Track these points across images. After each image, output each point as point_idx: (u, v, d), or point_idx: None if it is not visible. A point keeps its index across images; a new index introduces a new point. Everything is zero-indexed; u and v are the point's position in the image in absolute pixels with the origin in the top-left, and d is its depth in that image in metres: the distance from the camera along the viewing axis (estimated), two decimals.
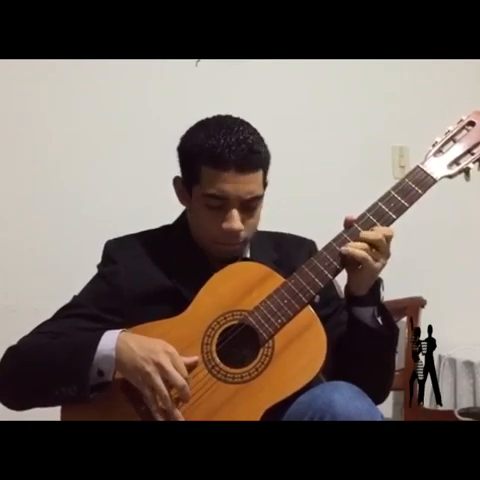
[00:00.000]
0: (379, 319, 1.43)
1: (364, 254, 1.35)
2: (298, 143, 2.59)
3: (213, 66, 2.44)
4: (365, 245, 1.36)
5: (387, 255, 1.38)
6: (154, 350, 1.31)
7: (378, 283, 1.43)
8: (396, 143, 2.81)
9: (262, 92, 2.61)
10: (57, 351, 1.37)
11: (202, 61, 2.49)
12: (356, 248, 1.36)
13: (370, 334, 1.41)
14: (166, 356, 1.30)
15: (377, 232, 1.37)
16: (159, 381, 1.29)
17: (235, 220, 1.42)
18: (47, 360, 1.36)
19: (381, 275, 1.41)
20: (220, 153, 1.38)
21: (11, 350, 1.43)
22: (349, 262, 1.38)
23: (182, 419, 1.30)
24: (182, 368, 1.31)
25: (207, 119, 1.49)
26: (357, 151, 2.76)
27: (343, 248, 1.37)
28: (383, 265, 1.38)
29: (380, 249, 1.36)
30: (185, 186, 1.48)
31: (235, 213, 1.42)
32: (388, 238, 1.37)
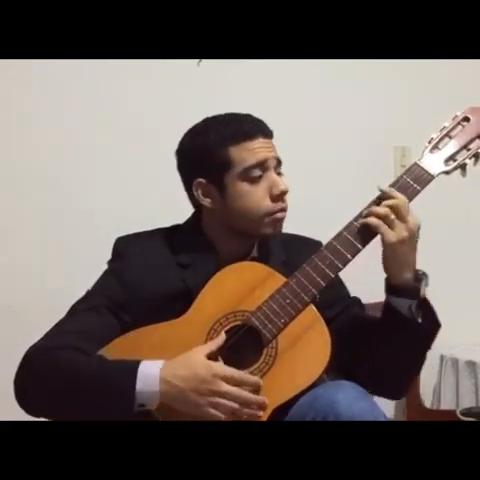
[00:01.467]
0: (417, 313, 1.39)
1: (378, 222, 1.35)
2: (299, 143, 2.58)
3: (215, 66, 2.44)
4: (383, 210, 1.35)
5: (408, 228, 1.35)
6: (204, 379, 1.29)
7: (420, 279, 1.40)
8: (398, 143, 2.81)
9: (263, 93, 2.61)
10: (93, 384, 1.32)
11: (204, 61, 2.49)
12: (372, 216, 1.36)
13: (405, 325, 1.38)
14: (219, 381, 1.29)
15: (396, 199, 1.36)
16: (231, 404, 1.28)
17: (281, 181, 1.46)
18: (83, 390, 1.32)
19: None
20: (246, 128, 1.45)
21: (36, 354, 1.39)
22: (365, 236, 1.37)
23: (266, 402, 1.31)
24: (234, 377, 1.30)
25: (202, 121, 1.51)
26: (359, 151, 2.75)
27: (361, 221, 1.37)
28: (403, 238, 1.35)
29: (398, 215, 1.35)
30: (213, 182, 1.47)
31: (277, 176, 1.47)
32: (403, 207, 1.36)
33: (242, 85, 2.57)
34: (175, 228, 1.57)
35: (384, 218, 1.35)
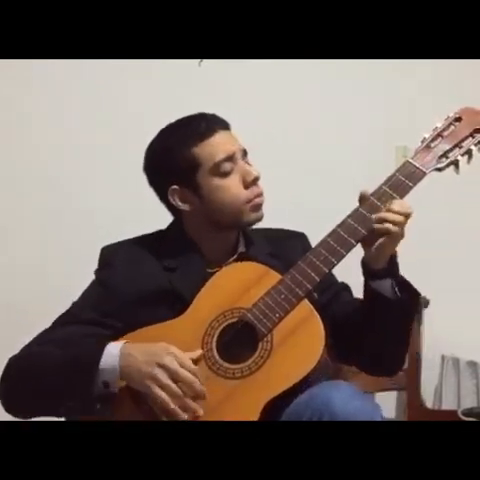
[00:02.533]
0: (397, 289, 1.43)
1: (394, 228, 1.37)
2: (300, 143, 2.59)
3: (215, 66, 2.44)
4: (396, 217, 1.37)
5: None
6: (156, 353, 1.32)
7: (394, 255, 1.43)
8: (399, 143, 2.81)
9: (263, 93, 2.61)
10: (60, 365, 1.36)
11: (205, 61, 2.48)
12: (386, 223, 1.37)
13: (389, 305, 1.41)
14: (169, 357, 1.31)
15: (402, 205, 1.39)
16: (167, 380, 1.30)
17: (251, 168, 1.49)
18: (50, 375, 1.36)
19: None
20: (203, 126, 1.47)
21: (14, 361, 1.43)
22: (368, 237, 1.39)
23: (201, 411, 1.31)
24: (188, 364, 1.32)
25: (159, 133, 1.58)
26: (360, 151, 2.74)
27: (376, 226, 1.37)
28: (402, 237, 1.39)
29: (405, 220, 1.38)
30: (186, 186, 1.50)
31: (247, 165, 1.49)
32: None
33: (242, 85, 2.57)
34: (159, 233, 1.59)
35: (398, 224, 1.37)
